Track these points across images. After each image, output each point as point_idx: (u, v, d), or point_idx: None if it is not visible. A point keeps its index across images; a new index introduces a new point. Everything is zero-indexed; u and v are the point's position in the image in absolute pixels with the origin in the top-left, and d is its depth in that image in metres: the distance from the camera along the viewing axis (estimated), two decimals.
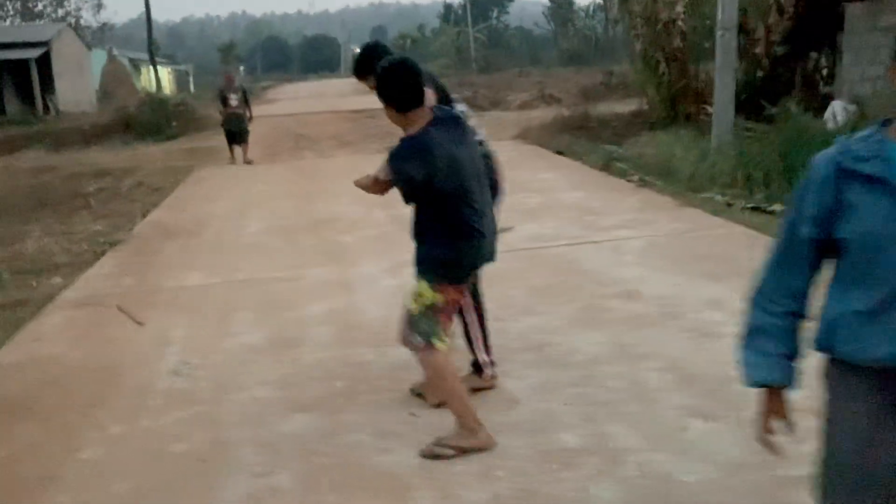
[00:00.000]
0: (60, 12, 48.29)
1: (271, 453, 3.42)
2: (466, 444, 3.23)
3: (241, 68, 34.72)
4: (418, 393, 3.80)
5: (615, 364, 4.10)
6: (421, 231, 3.24)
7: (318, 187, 10.75)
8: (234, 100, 13.88)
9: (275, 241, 7.67)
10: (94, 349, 4.95)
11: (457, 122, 3.23)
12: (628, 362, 4.10)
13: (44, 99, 26.98)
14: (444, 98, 3.65)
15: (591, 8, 53.87)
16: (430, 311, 3.19)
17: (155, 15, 31.25)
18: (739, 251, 6.08)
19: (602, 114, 15.47)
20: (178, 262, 7.13)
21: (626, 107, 15.78)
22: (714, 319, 4.64)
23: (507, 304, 4.90)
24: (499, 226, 3.43)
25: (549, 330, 4.65)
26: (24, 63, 27.07)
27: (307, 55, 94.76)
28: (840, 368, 1.74)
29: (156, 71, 29.62)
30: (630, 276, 5.61)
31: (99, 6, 52.37)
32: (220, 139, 14.74)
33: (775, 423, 1.87)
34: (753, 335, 1.84)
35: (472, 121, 3.86)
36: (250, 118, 14.24)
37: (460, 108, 3.78)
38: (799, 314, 1.80)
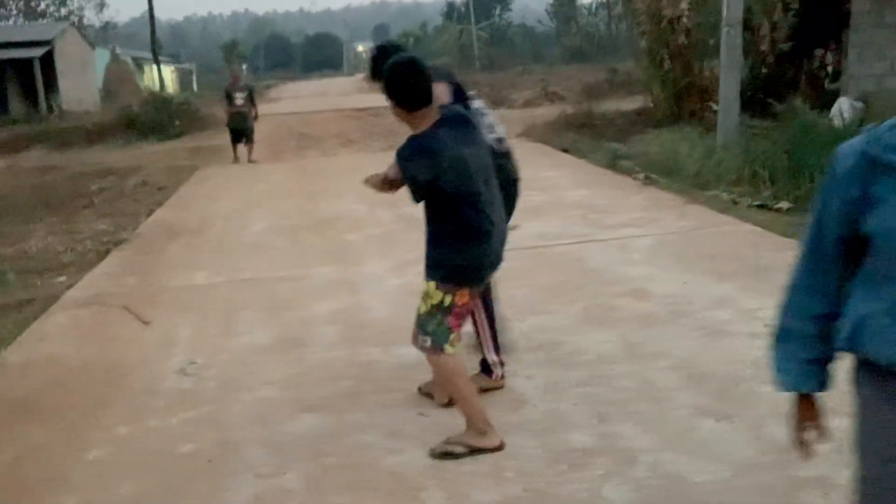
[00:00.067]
0: (63, 11, 48.28)
1: (279, 454, 3.40)
2: (476, 443, 3.21)
3: (244, 67, 34.65)
4: (426, 392, 3.78)
5: (623, 363, 4.07)
6: (429, 232, 3.23)
7: (322, 186, 10.73)
8: (239, 98, 13.84)
9: (279, 241, 7.65)
10: (99, 349, 4.94)
11: (465, 122, 3.20)
12: (637, 361, 4.08)
13: (47, 98, 26.95)
14: (462, 95, 3.63)
15: (594, 5, 53.82)
16: (439, 312, 3.17)
17: (157, 13, 31.18)
18: (747, 249, 6.06)
19: (606, 111, 15.43)
20: (182, 261, 7.12)
21: (630, 104, 15.74)
22: (723, 318, 4.61)
23: (513, 304, 4.87)
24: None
25: (556, 329, 4.63)
26: (27, 62, 27.07)
27: (309, 54, 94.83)
28: (869, 372, 1.65)
29: (159, 70, 29.58)
30: (637, 275, 5.59)
31: (102, 5, 52.24)
32: (224, 138, 14.73)
33: (809, 428, 1.83)
34: (784, 338, 1.79)
35: (490, 118, 3.84)
36: (256, 117, 14.20)
37: (477, 105, 3.76)
38: (830, 316, 1.71)
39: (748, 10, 10.73)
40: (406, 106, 3.08)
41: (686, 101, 13.20)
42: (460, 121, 3.18)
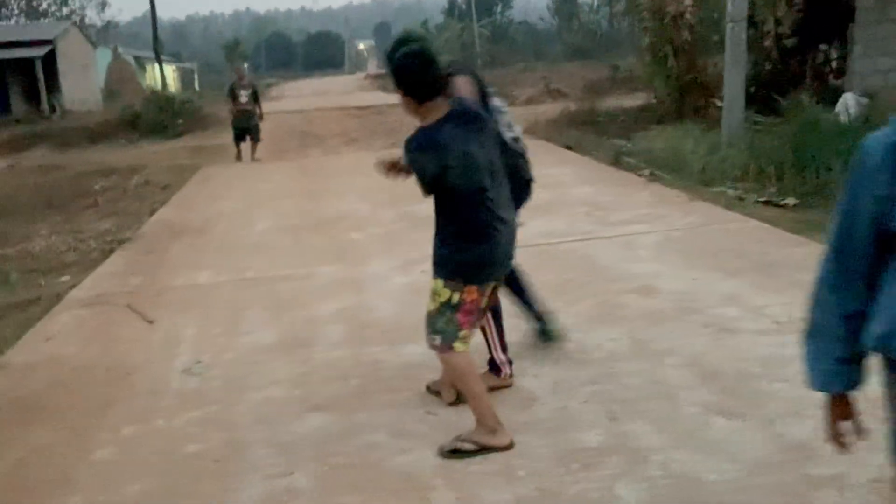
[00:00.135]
0: (65, 11, 48.28)
1: (287, 454, 3.37)
2: (486, 441, 3.18)
3: (246, 65, 34.59)
4: (435, 391, 3.75)
5: (633, 361, 4.04)
6: (436, 228, 3.20)
7: (325, 185, 10.70)
8: (244, 96, 13.80)
9: (283, 240, 7.62)
10: (104, 349, 4.91)
11: (475, 118, 3.15)
12: (646, 359, 4.04)
13: (49, 98, 26.97)
14: (483, 91, 3.60)
15: (596, 2, 53.68)
16: (447, 309, 3.14)
17: (159, 13, 31.13)
18: (754, 245, 6.03)
19: (609, 108, 15.40)
20: (186, 260, 7.09)
21: (633, 101, 15.70)
22: (731, 315, 4.57)
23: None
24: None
25: (564, 327, 4.58)
26: (29, 62, 27.08)
27: (311, 52, 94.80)
28: None
29: (161, 69, 29.55)
30: (644, 272, 5.55)
31: (103, 4, 52.21)
32: (227, 137, 14.71)
33: (843, 426, 1.79)
34: (814, 335, 1.75)
35: (508, 116, 3.80)
36: (261, 117, 14.15)
37: (496, 103, 3.73)
38: (859, 315, 1.65)
39: (752, 5, 10.69)
40: (415, 97, 3.04)
41: (690, 97, 13.15)
42: (469, 115, 3.13)
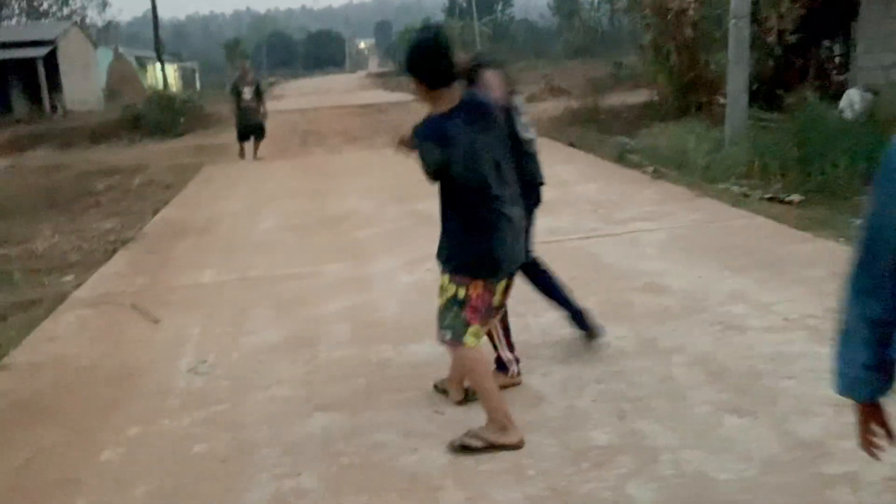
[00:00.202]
0: (66, 11, 48.23)
1: (293, 454, 3.35)
2: (496, 439, 3.15)
3: (248, 63, 34.67)
4: (442, 390, 3.73)
5: (641, 359, 4.01)
6: (442, 224, 3.18)
7: (329, 183, 10.67)
8: (247, 93, 13.75)
9: (287, 238, 7.59)
10: (109, 349, 4.89)
11: (485, 110, 3.12)
12: (654, 357, 4.02)
13: (51, 98, 26.97)
14: (510, 88, 3.58)
15: (597, 0, 53.61)
16: (454, 305, 3.12)
17: (160, 12, 31.09)
18: (760, 242, 6.00)
19: (612, 105, 15.35)
20: (190, 259, 7.07)
21: (635, 98, 15.64)
22: (738, 312, 4.55)
23: (528, 299, 4.80)
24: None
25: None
26: (30, 62, 27.07)
27: (312, 51, 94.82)
28: None
29: (163, 68, 29.52)
30: (651, 269, 5.52)
31: (104, 4, 52.42)
32: (229, 136, 14.68)
33: (875, 430, 1.76)
34: (844, 340, 1.70)
35: (525, 118, 3.77)
36: (264, 114, 14.09)
37: (517, 101, 3.70)
38: (888, 322, 1.60)
39: (755, 1, 10.64)
40: (426, 83, 3.02)
41: (693, 94, 13.12)
42: (480, 109, 3.10)
